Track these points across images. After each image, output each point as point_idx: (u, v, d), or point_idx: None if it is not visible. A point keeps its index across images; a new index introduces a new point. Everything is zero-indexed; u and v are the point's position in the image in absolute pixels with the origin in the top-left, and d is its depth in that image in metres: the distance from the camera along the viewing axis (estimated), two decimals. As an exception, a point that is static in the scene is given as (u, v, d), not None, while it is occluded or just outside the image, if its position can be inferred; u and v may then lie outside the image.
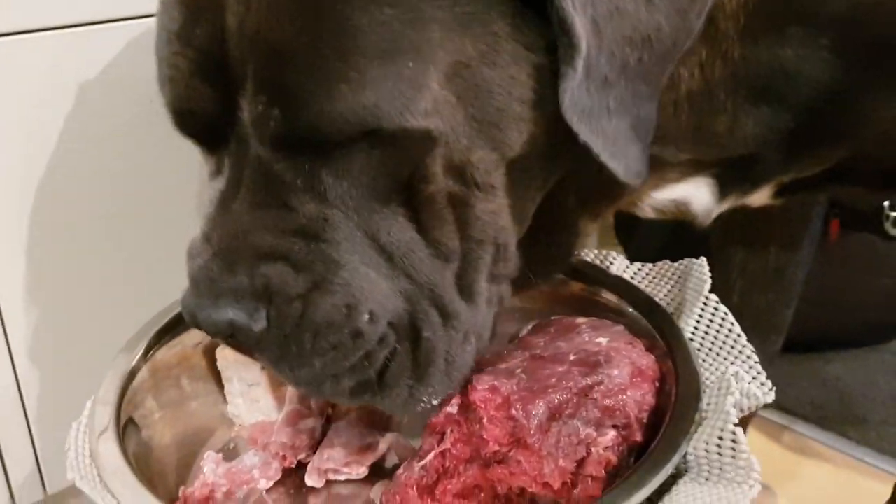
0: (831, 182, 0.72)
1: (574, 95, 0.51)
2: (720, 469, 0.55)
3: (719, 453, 0.55)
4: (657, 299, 0.74)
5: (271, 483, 0.72)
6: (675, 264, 0.76)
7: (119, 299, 0.87)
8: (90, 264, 0.88)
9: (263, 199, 0.55)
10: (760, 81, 0.61)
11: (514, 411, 0.62)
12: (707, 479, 0.55)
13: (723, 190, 0.70)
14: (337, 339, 0.56)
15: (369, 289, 0.56)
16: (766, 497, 1.03)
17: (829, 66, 0.60)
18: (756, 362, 0.64)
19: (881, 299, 1.28)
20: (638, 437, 0.61)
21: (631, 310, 0.74)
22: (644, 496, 0.54)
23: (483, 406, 0.63)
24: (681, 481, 0.57)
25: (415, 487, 0.64)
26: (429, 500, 0.65)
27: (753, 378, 0.62)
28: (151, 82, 0.56)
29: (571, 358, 0.65)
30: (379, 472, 0.72)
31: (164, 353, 0.75)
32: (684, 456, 0.57)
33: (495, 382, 0.64)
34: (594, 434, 0.61)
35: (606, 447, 0.60)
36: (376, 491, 0.70)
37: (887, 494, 0.85)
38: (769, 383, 0.62)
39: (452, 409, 0.65)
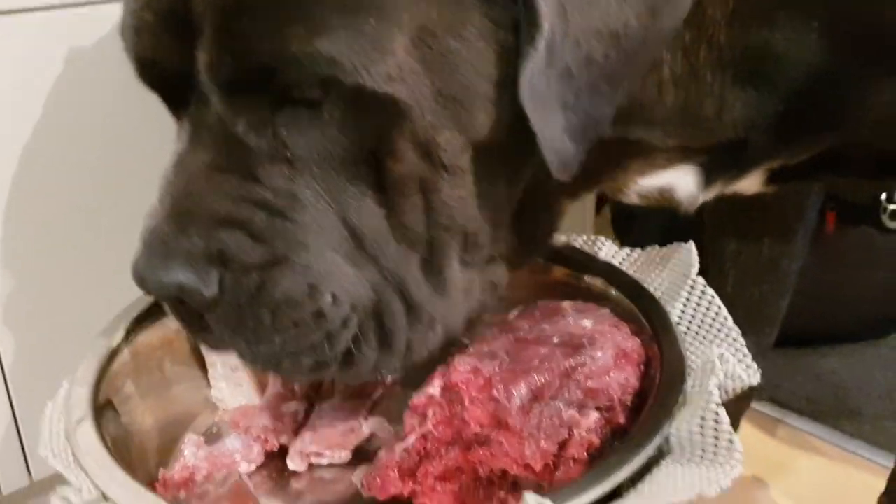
0: (823, 170, 0.71)
1: (533, 80, 0.50)
2: (703, 450, 0.54)
3: (702, 434, 0.55)
4: (645, 284, 0.73)
5: (253, 466, 0.71)
6: (663, 249, 0.75)
7: (104, 283, 0.86)
8: (71, 247, 0.87)
9: (224, 162, 0.54)
10: (748, 65, 0.61)
11: (495, 392, 0.61)
12: (689, 461, 0.54)
13: (709, 177, 0.69)
14: (298, 317, 0.55)
15: (335, 273, 0.55)
16: (759, 490, 1.03)
17: (818, 51, 0.60)
18: (742, 345, 0.64)
19: (878, 293, 1.27)
20: (621, 420, 0.60)
21: (618, 294, 0.73)
22: (624, 476, 0.53)
23: (465, 388, 0.63)
24: (663, 462, 0.56)
25: (396, 469, 0.64)
26: (410, 483, 0.64)
27: (739, 360, 0.61)
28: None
29: (555, 340, 0.65)
30: (362, 456, 0.71)
31: (147, 337, 0.74)
32: (667, 438, 0.56)
33: (478, 364, 0.63)
34: (577, 416, 0.60)
35: (589, 429, 0.60)
36: (359, 475, 0.69)
37: (881, 488, 0.85)
38: (755, 365, 0.61)
39: (434, 390, 0.64)
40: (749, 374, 0.59)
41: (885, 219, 1.20)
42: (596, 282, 0.76)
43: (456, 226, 0.57)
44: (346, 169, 0.53)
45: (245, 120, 0.53)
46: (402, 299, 0.57)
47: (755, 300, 0.96)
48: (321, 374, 0.58)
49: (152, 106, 0.58)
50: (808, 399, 1.21)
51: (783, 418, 1.18)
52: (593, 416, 0.60)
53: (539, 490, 0.53)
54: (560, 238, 0.82)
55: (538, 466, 0.60)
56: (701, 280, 0.69)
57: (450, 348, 0.64)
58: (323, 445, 0.71)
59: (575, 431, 0.60)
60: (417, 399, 0.65)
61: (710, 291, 0.68)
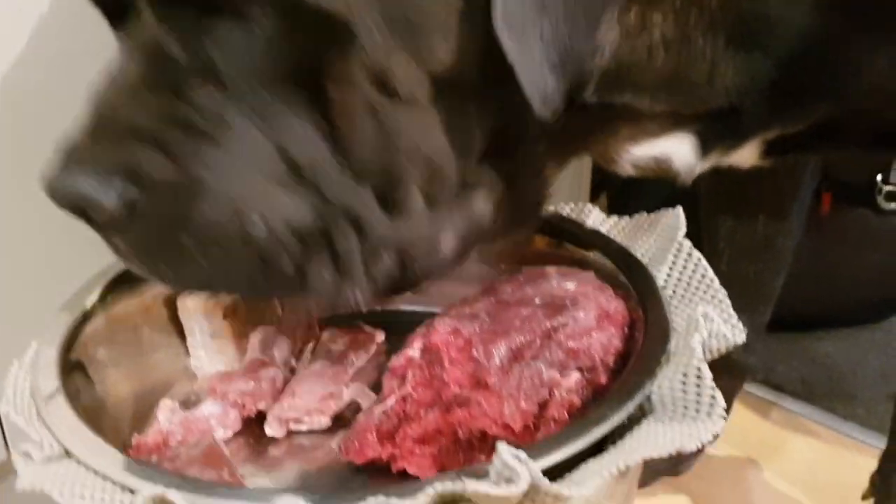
0: (821, 141, 0.70)
1: (507, 5, 0.48)
2: (685, 407, 0.53)
3: (684, 391, 0.53)
4: (633, 250, 0.71)
5: (230, 432, 0.70)
6: (651, 215, 0.74)
7: (71, 255, 0.84)
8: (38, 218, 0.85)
9: (151, 78, 0.51)
10: (741, 30, 0.59)
11: (474, 353, 0.60)
12: (672, 418, 0.53)
13: (705, 145, 0.68)
14: (225, 241, 0.52)
15: (263, 197, 0.52)
16: (753, 471, 1.02)
17: (813, 14, 0.58)
18: (728, 305, 0.63)
19: (874, 276, 1.26)
20: (603, 380, 0.59)
21: (604, 259, 0.72)
22: (602, 433, 0.52)
23: (445, 348, 0.62)
24: (644, 421, 0.54)
25: (374, 433, 0.63)
26: (389, 446, 0.63)
27: (725, 321, 0.60)
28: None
29: (537, 301, 0.64)
30: (342, 423, 0.71)
31: (123, 302, 0.73)
32: (649, 396, 0.55)
33: (458, 325, 0.62)
34: (557, 376, 0.59)
35: (570, 389, 0.59)
36: (338, 441, 0.68)
37: (873, 468, 0.84)
38: (740, 325, 0.60)
39: (414, 352, 0.63)
40: (734, 332, 0.57)
41: (880, 200, 1.18)
42: (581, 248, 0.74)
43: (418, 155, 0.54)
44: (284, 93, 0.50)
45: (175, 35, 0.50)
46: (352, 225, 0.54)
47: (750, 278, 0.95)
48: (266, 292, 0.57)
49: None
50: (803, 381, 1.21)
51: (777, 400, 1.17)
52: (574, 377, 0.59)
53: (520, 451, 0.51)
54: (548, 207, 0.81)
55: (518, 427, 0.58)
56: (687, 242, 0.68)
57: (425, 279, 0.60)
58: (302, 411, 0.70)
59: (555, 392, 0.59)
60: (397, 361, 0.64)
61: (697, 254, 0.67)
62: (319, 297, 0.56)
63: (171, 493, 0.48)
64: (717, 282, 0.64)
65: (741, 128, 0.66)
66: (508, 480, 0.46)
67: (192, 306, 0.74)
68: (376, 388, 0.71)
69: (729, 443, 1.05)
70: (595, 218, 0.77)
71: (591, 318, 0.61)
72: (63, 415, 0.57)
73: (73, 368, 0.64)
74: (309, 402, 0.70)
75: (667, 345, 0.59)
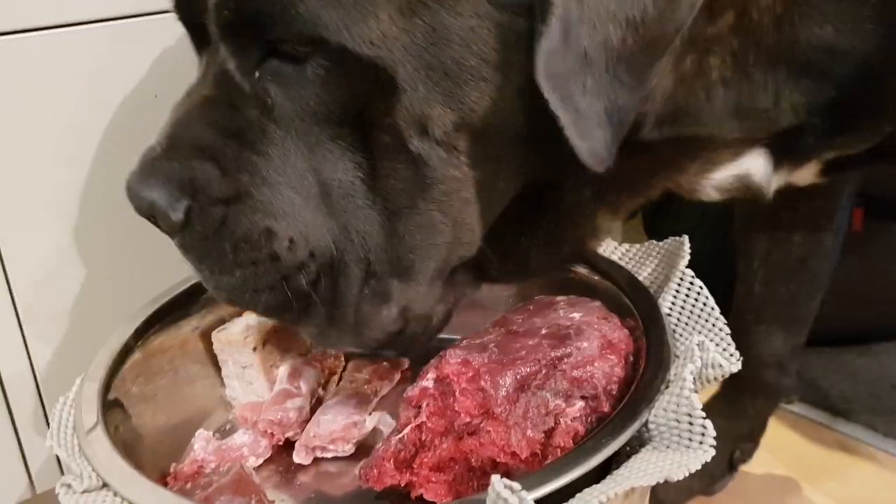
0: (878, 159, 0.70)
1: (550, 60, 0.50)
2: (678, 435, 0.55)
3: (677, 420, 0.55)
4: (640, 277, 0.73)
5: (261, 460, 0.74)
6: (660, 243, 0.76)
7: (108, 302, 0.90)
8: (104, 253, 0.90)
9: (217, 96, 0.58)
10: (800, 60, 0.60)
11: (483, 383, 0.63)
12: (668, 447, 0.55)
13: (777, 160, 0.68)
14: (255, 257, 0.58)
15: (292, 213, 0.57)
16: (792, 489, 1.02)
17: (871, 37, 0.59)
18: (727, 334, 0.64)
19: (909, 290, 1.24)
20: (606, 408, 0.61)
21: (611, 286, 0.74)
22: (599, 461, 0.54)
23: (455, 379, 0.64)
24: (642, 450, 0.56)
25: (392, 461, 0.66)
26: (406, 474, 0.66)
27: (723, 350, 0.61)
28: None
29: (543, 332, 0.66)
30: (366, 450, 0.73)
31: (160, 337, 0.78)
32: (646, 424, 0.57)
33: (467, 356, 0.65)
34: (562, 405, 0.61)
35: (574, 418, 0.61)
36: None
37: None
38: (737, 353, 0.61)
39: (428, 383, 0.66)
40: (730, 361, 0.59)
41: (913, 214, 1.18)
42: (591, 275, 0.77)
43: (449, 209, 0.58)
44: (329, 128, 0.55)
45: (240, 67, 0.56)
46: (361, 265, 0.59)
47: (784, 299, 0.95)
48: (282, 315, 0.62)
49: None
50: (842, 398, 1.19)
51: (816, 418, 1.16)
52: (578, 405, 0.61)
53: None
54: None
55: (524, 454, 0.61)
56: (689, 272, 0.70)
57: (421, 338, 0.65)
58: (327, 439, 0.73)
59: (561, 420, 0.61)
60: (412, 391, 0.66)
61: (699, 282, 0.68)
62: (313, 329, 0.62)
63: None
64: (717, 311, 0.66)
65: (807, 145, 0.66)
66: (502, 510, 0.49)
67: (225, 339, 0.79)
68: (395, 413, 0.74)
69: (765, 461, 1.05)
70: (607, 246, 0.79)
71: (595, 347, 0.63)
72: (102, 447, 0.62)
73: (112, 402, 0.69)
74: (333, 430, 0.73)
75: (666, 373, 0.60)
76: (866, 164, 0.73)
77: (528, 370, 0.63)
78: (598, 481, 0.54)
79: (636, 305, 0.70)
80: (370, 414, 0.76)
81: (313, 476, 0.74)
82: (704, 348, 0.58)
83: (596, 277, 0.76)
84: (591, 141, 0.52)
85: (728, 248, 1.01)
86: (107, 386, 0.68)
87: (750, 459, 1.02)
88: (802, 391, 1.19)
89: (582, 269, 0.77)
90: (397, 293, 0.61)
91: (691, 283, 0.69)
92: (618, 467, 0.56)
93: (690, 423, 0.54)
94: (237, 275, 0.59)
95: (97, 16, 0.84)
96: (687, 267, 0.71)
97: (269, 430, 0.74)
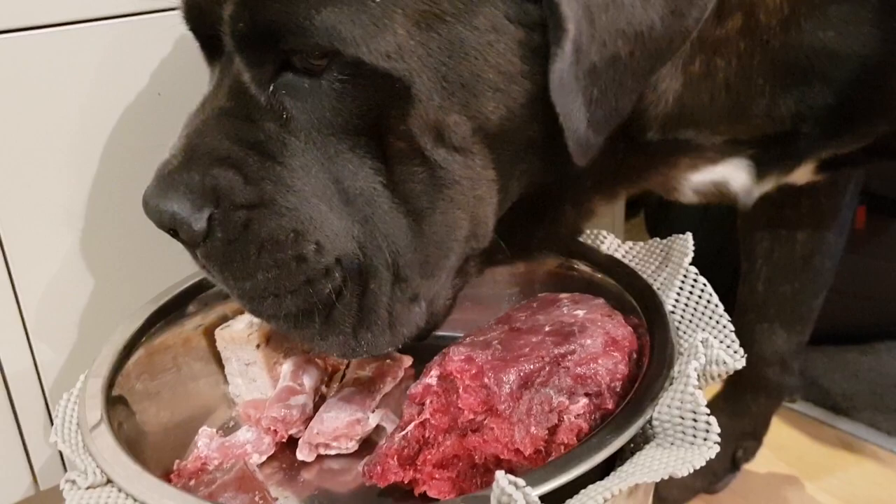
0: (873, 156, 0.71)
1: (563, 78, 0.52)
2: (682, 432, 0.55)
3: (681, 416, 0.55)
4: (644, 275, 0.73)
5: (264, 457, 0.74)
6: (664, 241, 0.76)
7: (112, 300, 0.90)
8: (109, 252, 0.91)
9: (232, 107, 0.58)
10: (801, 64, 0.61)
11: (486, 380, 0.63)
12: (672, 444, 0.55)
13: (761, 169, 0.69)
14: (280, 258, 0.58)
15: (318, 219, 0.58)
16: (794, 487, 1.02)
17: (870, 41, 0.60)
18: (731, 331, 0.64)
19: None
20: (610, 405, 0.61)
21: (615, 284, 0.74)
22: (603, 458, 0.54)
23: (459, 376, 0.64)
24: (647, 447, 0.56)
25: (395, 458, 0.66)
26: (410, 471, 0.66)
27: (727, 347, 0.61)
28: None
29: (546, 329, 0.66)
30: (370, 447, 0.74)
31: (164, 335, 0.78)
32: (650, 421, 0.57)
33: (471, 353, 0.65)
34: (566, 402, 0.61)
35: (578, 414, 0.61)
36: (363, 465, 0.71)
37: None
38: (741, 351, 0.61)
39: (431, 380, 0.66)
40: (735, 358, 0.59)
41: (916, 211, 1.18)
42: (594, 272, 0.77)
43: (465, 205, 0.59)
44: (346, 138, 0.56)
45: (256, 79, 0.57)
46: (389, 267, 0.59)
47: (787, 297, 0.95)
48: (304, 324, 0.61)
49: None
50: (844, 396, 1.19)
51: (818, 416, 1.16)
52: (582, 402, 0.61)
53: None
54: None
55: (528, 451, 0.61)
56: (693, 269, 0.70)
57: (431, 326, 0.66)
58: (330, 436, 0.73)
59: (564, 417, 0.61)
60: (415, 388, 0.67)
61: (702, 280, 0.68)
62: (338, 338, 0.61)
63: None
64: (721, 308, 0.66)
65: (798, 150, 0.67)
66: (507, 506, 0.49)
67: (228, 336, 0.79)
68: (398, 410, 0.75)
69: (768, 459, 1.05)
70: (610, 243, 0.79)
71: (599, 344, 0.63)
72: (106, 443, 0.62)
73: (116, 399, 0.69)
74: (337, 427, 0.73)
75: (670, 370, 0.60)
76: (863, 161, 0.73)
77: (532, 367, 0.63)
78: (601, 478, 0.55)
79: (640, 303, 0.70)
80: (373, 411, 0.76)
81: (316, 473, 0.74)
82: (709, 345, 0.59)
83: (599, 275, 0.76)
84: (587, 146, 0.55)
85: (730, 246, 1.01)
86: (111, 382, 0.68)
87: (753, 458, 1.02)
88: (805, 389, 1.20)
89: (586, 267, 0.78)
90: (424, 290, 0.62)
91: (695, 281, 0.69)
92: (622, 464, 0.56)
93: (695, 420, 0.54)
94: (259, 277, 0.58)
95: (101, 14, 0.83)
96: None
97: (272, 428, 0.74)
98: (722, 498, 1.02)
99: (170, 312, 0.78)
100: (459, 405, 0.64)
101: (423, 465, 0.65)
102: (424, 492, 0.66)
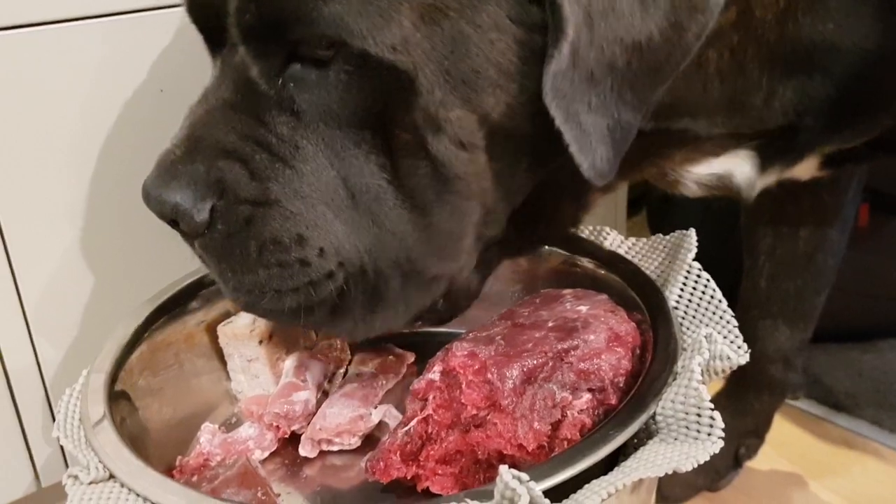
0: (877, 152, 0.71)
1: (557, 81, 0.52)
2: (686, 427, 0.55)
3: (685, 412, 0.55)
4: (647, 271, 0.73)
5: (266, 453, 0.74)
6: (667, 237, 0.76)
7: (115, 294, 0.90)
8: (109, 250, 0.91)
9: (239, 102, 0.57)
10: (800, 57, 0.61)
11: (489, 375, 0.63)
12: (676, 439, 0.55)
13: (765, 162, 0.69)
14: (282, 259, 0.57)
15: (324, 226, 0.57)
16: (797, 485, 1.02)
17: (872, 33, 0.60)
18: (735, 326, 0.64)
19: (916, 285, 1.24)
20: (613, 401, 0.61)
21: (618, 280, 0.74)
22: (606, 452, 0.54)
23: (462, 371, 0.64)
24: (650, 442, 0.56)
25: (398, 453, 0.66)
26: (413, 466, 0.66)
27: (731, 342, 0.61)
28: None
29: (550, 324, 0.66)
30: (372, 443, 0.74)
31: (166, 331, 0.78)
32: (654, 416, 0.57)
33: (474, 349, 0.65)
34: (569, 397, 0.61)
35: (581, 410, 0.61)
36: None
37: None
38: (745, 346, 0.61)
39: (434, 376, 0.66)
40: (738, 353, 0.59)
41: (919, 209, 1.17)
42: (597, 268, 0.76)
43: (473, 195, 0.59)
44: (352, 131, 0.56)
45: (259, 67, 0.56)
46: (401, 263, 0.59)
47: (790, 294, 0.95)
48: (302, 319, 0.60)
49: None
50: (847, 394, 1.19)
51: (821, 413, 1.16)
52: (585, 398, 0.61)
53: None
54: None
55: (531, 447, 0.61)
56: (696, 264, 0.70)
57: (463, 303, 0.66)
58: (332, 432, 0.73)
59: (567, 413, 0.61)
60: (418, 384, 0.67)
61: (706, 275, 0.68)
62: (346, 329, 0.61)
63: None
64: (724, 303, 0.66)
65: (801, 144, 0.67)
66: (511, 501, 0.49)
67: (230, 333, 0.79)
68: (401, 406, 0.75)
69: (770, 457, 1.05)
70: (613, 240, 0.79)
71: (602, 340, 0.63)
72: (108, 439, 0.62)
73: (118, 395, 0.69)
74: (339, 423, 0.73)
75: (673, 365, 0.60)
76: (866, 157, 0.73)
77: (535, 363, 0.63)
78: (605, 473, 0.54)
79: (643, 298, 0.70)
80: (376, 407, 0.76)
81: (319, 469, 0.74)
82: (712, 340, 0.58)
83: (603, 271, 0.76)
84: (593, 156, 0.55)
85: (732, 244, 1.01)
86: (113, 378, 0.68)
87: (755, 455, 1.02)
88: (807, 387, 1.19)
89: (589, 263, 0.77)
90: (442, 270, 0.62)
91: (698, 276, 0.69)
92: (625, 459, 0.56)
93: (698, 415, 0.54)
94: (261, 274, 0.58)
95: (102, 10, 0.83)
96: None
97: (274, 424, 0.74)
98: (724, 495, 1.01)
99: (172, 308, 0.78)
100: (462, 401, 0.64)
101: (425, 461, 0.65)
102: (427, 487, 0.65)
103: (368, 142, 0.56)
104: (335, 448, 0.74)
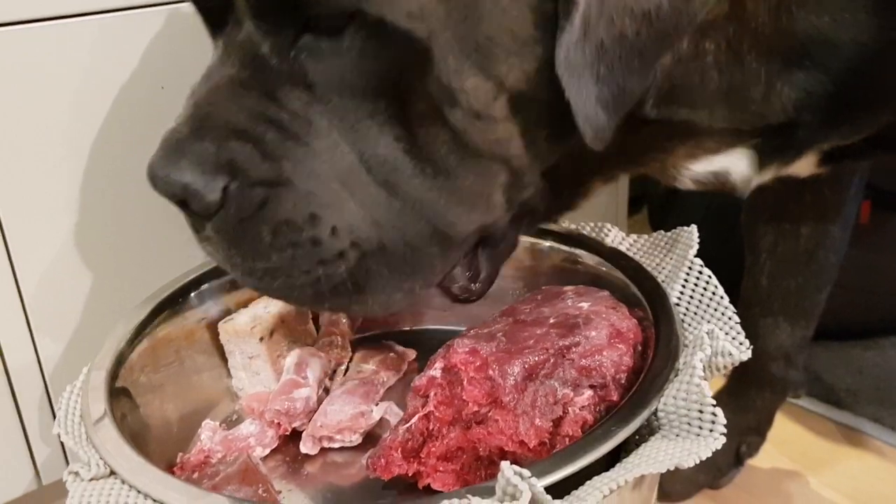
0: (876, 149, 0.71)
1: (570, 53, 0.52)
2: (688, 424, 0.55)
3: (687, 408, 0.55)
4: (649, 267, 0.73)
5: (267, 450, 0.74)
6: (668, 234, 0.76)
7: (116, 292, 0.90)
8: (109, 249, 0.91)
9: (248, 79, 0.56)
10: (796, 51, 0.60)
11: (491, 372, 0.63)
12: (678, 436, 0.55)
13: (762, 159, 0.69)
14: (295, 239, 0.56)
15: (337, 204, 0.56)
16: (798, 482, 1.02)
17: (867, 28, 0.59)
18: (737, 322, 0.64)
19: (918, 283, 1.24)
20: (614, 397, 0.61)
21: (619, 276, 0.74)
22: (608, 449, 0.54)
23: (463, 368, 0.64)
24: (652, 438, 0.56)
25: (399, 450, 0.66)
26: (414, 463, 0.66)
27: (733, 338, 0.61)
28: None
29: (551, 321, 0.66)
30: (373, 440, 0.74)
31: (167, 328, 0.77)
32: (655, 412, 0.57)
33: (475, 345, 0.65)
34: (570, 394, 0.61)
35: (583, 406, 0.61)
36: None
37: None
38: (747, 342, 0.61)
39: (436, 372, 0.66)
40: (740, 350, 0.59)
41: (921, 207, 1.17)
42: (599, 265, 0.76)
43: (498, 158, 0.58)
44: (366, 102, 0.55)
45: (270, 42, 0.55)
46: (426, 232, 0.58)
47: (791, 291, 0.95)
48: (315, 302, 0.59)
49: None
50: (848, 392, 1.19)
51: (822, 411, 1.16)
52: (587, 394, 0.61)
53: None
54: (569, 225, 0.83)
55: (532, 443, 0.61)
56: (698, 261, 0.70)
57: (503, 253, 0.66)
58: (334, 429, 0.73)
59: (569, 409, 0.61)
60: (419, 381, 0.66)
61: (707, 272, 0.68)
62: (367, 306, 0.60)
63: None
64: (726, 300, 0.66)
65: (799, 141, 0.67)
66: (512, 497, 0.49)
67: (231, 329, 0.79)
68: (402, 403, 0.74)
69: (771, 454, 1.05)
70: (614, 236, 0.79)
71: (603, 336, 0.63)
72: (109, 435, 0.62)
73: (119, 391, 0.69)
74: (341, 420, 0.73)
75: (675, 362, 0.60)
76: (865, 153, 0.73)
77: (537, 359, 0.63)
78: (607, 470, 0.54)
79: (645, 295, 0.70)
80: (377, 404, 0.75)
81: (320, 466, 0.74)
82: (714, 336, 0.58)
83: (604, 268, 0.76)
84: (595, 123, 0.54)
85: (733, 241, 1.01)
86: (114, 375, 0.68)
87: (756, 453, 1.02)
88: (808, 385, 1.19)
89: (590, 260, 0.77)
90: (475, 224, 0.60)
91: (700, 273, 0.69)
92: (627, 455, 0.56)
93: (700, 411, 0.54)
94: (274, 259, 0.57)
95: (104, 6, 0.83)
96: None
97: (275, 421, 0.74)
98: (725, 493, 1.01)
99: (173, 305, 0.78)
100: (464, 397, 0.64)
101: (427, 458, 0.65)
102: (428, 484, 0.65)
103: (383, 112, 0.55)
104: (336, 445, 0.74)
